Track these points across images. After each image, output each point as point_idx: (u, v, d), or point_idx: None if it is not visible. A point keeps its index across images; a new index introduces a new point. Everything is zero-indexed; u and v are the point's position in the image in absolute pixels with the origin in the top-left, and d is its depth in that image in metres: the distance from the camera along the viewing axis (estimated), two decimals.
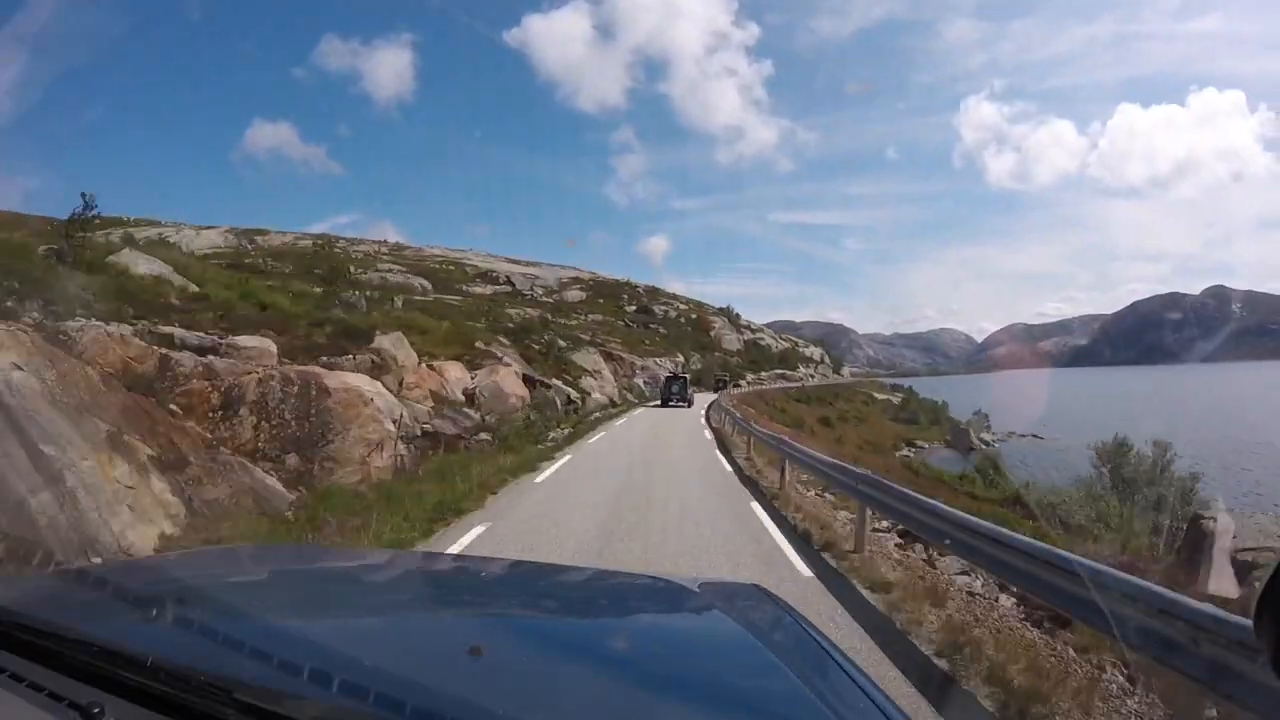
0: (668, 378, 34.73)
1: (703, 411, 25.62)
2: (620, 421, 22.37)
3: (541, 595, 1.64)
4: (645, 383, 41.19)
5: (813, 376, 72.96)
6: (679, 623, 1.43)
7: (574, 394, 23.29)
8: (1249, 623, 1.26)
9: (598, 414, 24.24)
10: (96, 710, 0.82)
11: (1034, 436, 41.90)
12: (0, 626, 1.00)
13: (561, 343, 34.15)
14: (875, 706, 0.94)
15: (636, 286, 78.52)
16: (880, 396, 60.95)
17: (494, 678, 0.99)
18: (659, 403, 31.19)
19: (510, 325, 35.75)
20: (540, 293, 68.66)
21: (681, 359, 50.84)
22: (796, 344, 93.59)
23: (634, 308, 69.29)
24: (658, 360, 45.59)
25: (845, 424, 40.24)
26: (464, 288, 58.01)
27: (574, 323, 50.20)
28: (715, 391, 37.81)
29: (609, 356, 39.48)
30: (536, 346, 28.67)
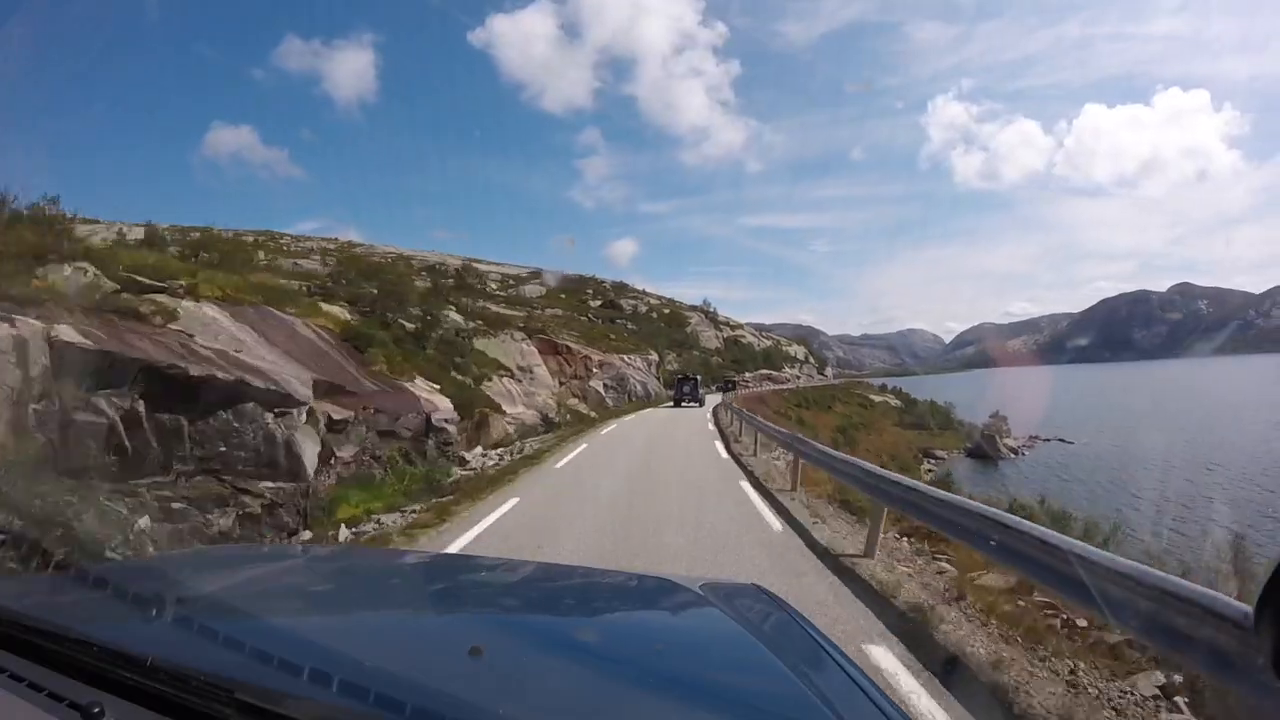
0: (679, 379, 35.65)
1: (711, 419, 22.53)
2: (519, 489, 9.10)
3: (541, 595, 1.65)
4: (608, 385, 32.65)
5: (798, 377, 66.85)
6: (679, 623, 1.45)
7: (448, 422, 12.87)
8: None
9: (498, 457, 13.38)
10: (96, 710, 0.83)
11: (1060, 440, 38.49)
12: (0, 626, 1.01)
13: (459, 321, 24.03)
14: (875, 706, 0.94)
15: (603, 282, 71.05)
16: (877, 399, 54.74)
17: (494, 678, 1.00)
18: (672, 404, 33.01)
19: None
20: (494, 287, 60.67)
21: (655, 357, 43.66)
22: (779, 342, 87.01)
23: (599, 303, 61.90)
24: (625, 358, 37.95)
25: (855, 431, 33.45)
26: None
27: (515, 311, 40.71)
28: (723, 393, 37.35)
29: (553, 349, 30.88)
30: (405, 324, 18.27)
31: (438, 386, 14.31)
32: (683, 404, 32.14)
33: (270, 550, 3.00)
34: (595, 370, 32.30)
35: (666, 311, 68.48)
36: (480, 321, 26.96)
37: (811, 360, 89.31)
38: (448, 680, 0.94)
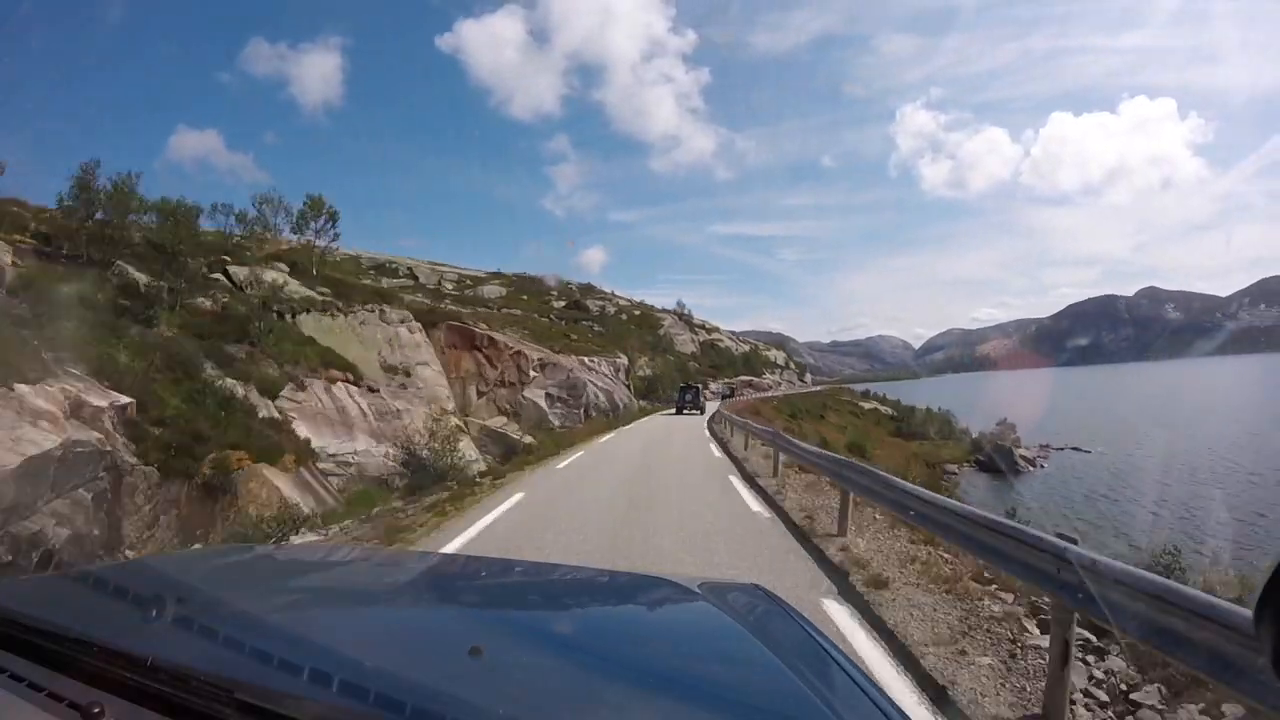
0: (682, 387, 36.65)
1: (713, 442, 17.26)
2: None
3: (541, 595, 1.65)
4: (553, 396, 24.21)
5: (779, 384, 62.89)
6: (678, 622, 1.44)
7: None
8: None
9: None
10: (96, 710, 0.83)
11: (1074, 449, 35.77)
12: (0, 626, 1.01)
13: (276, 285, 16.09)
14: (875, 706, 0.95)
15: (569, 284, 65.89)
16: (867, 406, 50.83)
17: (494, 678, 1.00)
18: (673, 410, 33.72)
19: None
20: (449, 287, 55.24)
21: (624, 360, 38.55)
22: (758, 347, 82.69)
23: (564, 304, 56.82)
24: (587, 360, 32.75)
25: (863, 445, 29.05)
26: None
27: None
28: (722, 399, 39.33)
29: (467, 341, 21.89)
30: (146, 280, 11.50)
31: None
32: (684, 411, 32.62)
33: (270, 550, 3.08)
34: (534, 373, 23.46)
35: (637, 313, 63.64)
36: (325, 294, 17.48)
37: (792, 366, 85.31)
38: (448, 680, 0.94)
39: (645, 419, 29.69)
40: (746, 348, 78.37)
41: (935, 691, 3.10)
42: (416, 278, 57.50)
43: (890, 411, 50.09)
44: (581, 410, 25.10)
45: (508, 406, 21.93)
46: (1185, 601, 2.22)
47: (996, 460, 32.03)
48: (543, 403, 23.30)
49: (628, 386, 37.66)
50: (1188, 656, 2.23)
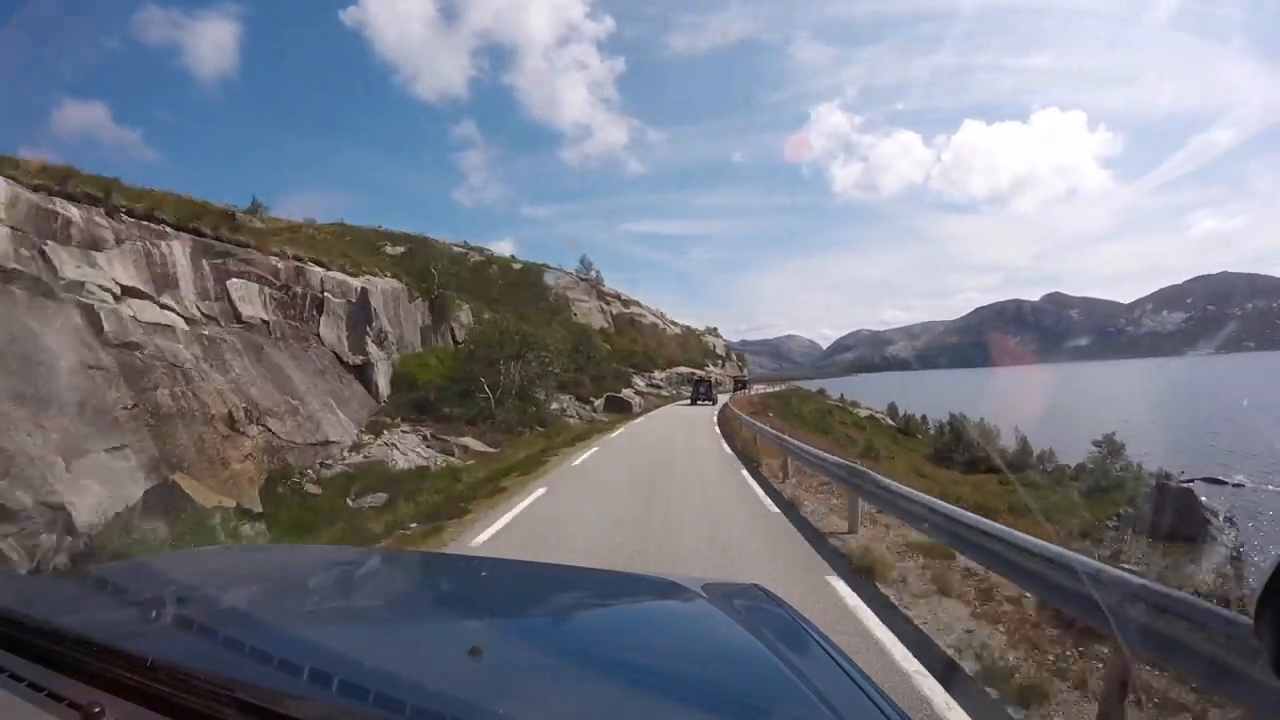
0: (695, 380, 39.25)
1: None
2: None
3: (541, 595, 1.65)
4: None
5: (725, 380, 49.34)
6: (680, 623, 1.44)
7: None
8: None
9: None
10: (96, 710, 0.83)
11: (1210, 480, 22.29)
12: (0, 626, 1.00)
13: None
14: (875, 706, 0.95)
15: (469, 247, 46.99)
16: (863, 413, 37.65)
17: (494, 678, 1.01)
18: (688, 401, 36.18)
19: None
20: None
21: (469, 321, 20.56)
22: (695, 332, 66.24)
23: (402, 249, 37.89)
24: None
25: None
26: None
27: None
28: (734, 392, 42.49)
29: None
30: None
31: None
32: (698, 402, 35.11)
33: (270, 550, 3.06)
34: None
35: (518, 268, 45.79)
36: None
37: (734, 358, 69.90)
38: (448, 680, 0.95)
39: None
40: (677, 329, 62.09)
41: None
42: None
43: (887, 420, 36.39)
44: None
45: None
46: None
47: (1170, 518, 16.80)
48: None
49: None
50: None
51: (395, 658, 1.01)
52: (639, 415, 28.72)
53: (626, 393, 32.78)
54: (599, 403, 28.82)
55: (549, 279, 45.48)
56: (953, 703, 3.25)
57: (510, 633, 1.27)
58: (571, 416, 24.98)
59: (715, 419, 24.49)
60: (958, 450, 27.72)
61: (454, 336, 25.85)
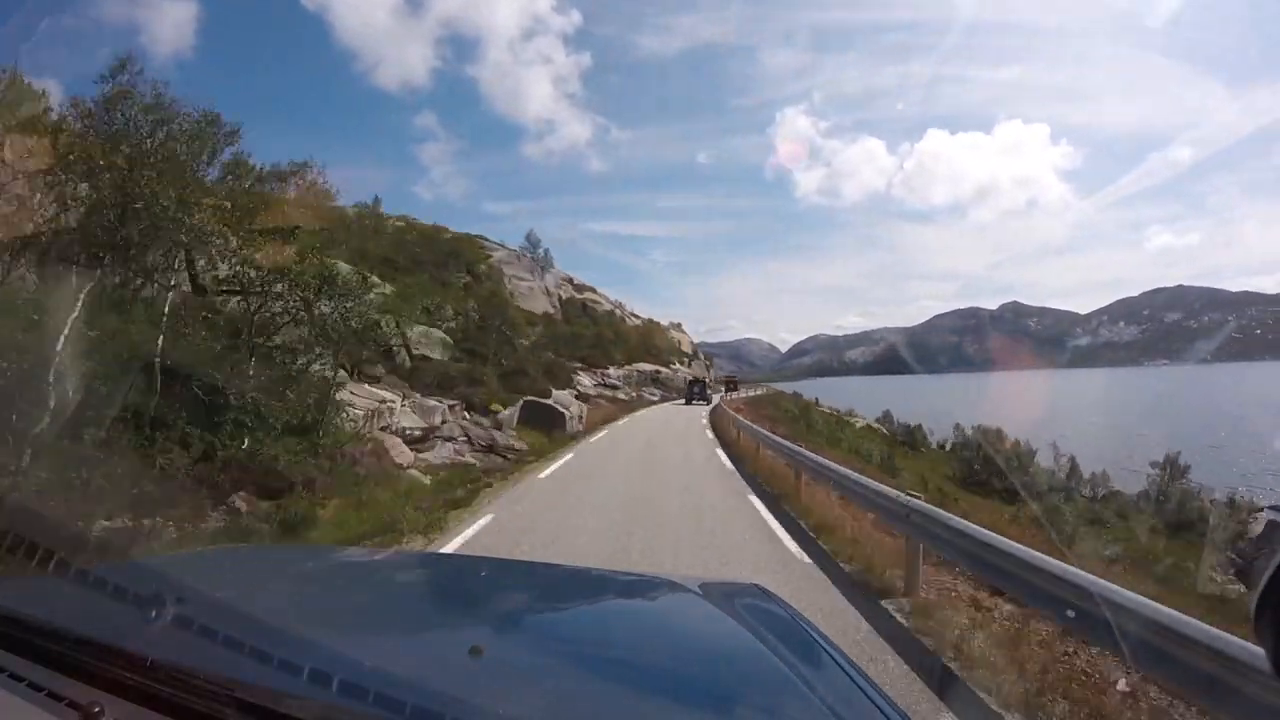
0: (690, 380, 39.46)
1: None
2: None
3: (541, 595, 1.65)
4: None
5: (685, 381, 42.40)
6: (679, 622, 1.45)
7: None
8: None
9: None
10: (96, 710, 0.83)
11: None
12: (0, 626, 1.00)
13: None
14: (875, 706, 0.96)
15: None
16: (859, 423, 31.38)
17: (494, 678, 1.01)
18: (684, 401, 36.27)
19: None
20: None
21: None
22: (657, 324, 59.74)
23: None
24: None
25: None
26: None
27: None
28: (725, 392, 42.65)
29: None
30: None
31: None
32: (692, 402, 35.41)
33: (270, 550, 3.00)
34: None
35: (446, 237, 38.32)
36: None
37: (701, 357, 63.69)
38: (448, 680, 0.95)
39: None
40: (637, 321, 55.47)
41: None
42: None
43: (881, 428, 30.33)
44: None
45: None
46: None
47: None
48: None
49: None
50: None
51: (395, 658, 1.01)
52: (574, 440, 17.33)
53: (562, 396, 23.07)
54: (508, 412, 17.08)
55: (492, 257, 38.41)
56: None
57: (510, 633, 1.29)
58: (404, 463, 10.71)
59: (716, 439, 17.88)
60: (987, 473, 21.78)
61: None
